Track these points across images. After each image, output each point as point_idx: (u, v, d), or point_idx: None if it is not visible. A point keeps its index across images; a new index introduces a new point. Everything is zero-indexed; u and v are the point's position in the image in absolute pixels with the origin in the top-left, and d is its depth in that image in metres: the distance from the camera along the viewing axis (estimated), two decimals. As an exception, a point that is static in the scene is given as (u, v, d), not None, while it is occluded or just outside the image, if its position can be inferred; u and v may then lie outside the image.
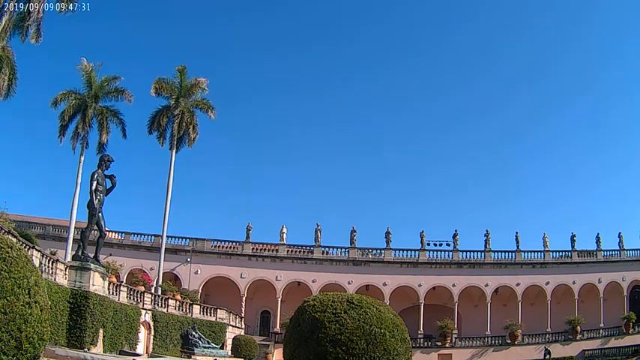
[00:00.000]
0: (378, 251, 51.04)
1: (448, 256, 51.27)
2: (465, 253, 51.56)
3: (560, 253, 52.57)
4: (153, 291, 34.84)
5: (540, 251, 51.68)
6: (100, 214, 20.01)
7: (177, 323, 30.44)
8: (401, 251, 51.32)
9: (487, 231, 52.01)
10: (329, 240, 53.01)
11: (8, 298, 7.17)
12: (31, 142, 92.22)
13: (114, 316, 22.82)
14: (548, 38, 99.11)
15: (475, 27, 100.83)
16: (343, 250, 51.01)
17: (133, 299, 27.28)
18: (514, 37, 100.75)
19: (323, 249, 50.85)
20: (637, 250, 51.31)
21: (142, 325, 27.09)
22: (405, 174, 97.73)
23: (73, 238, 35.42)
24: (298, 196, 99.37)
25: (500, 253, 51.51)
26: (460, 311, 49.64)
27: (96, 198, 19.61)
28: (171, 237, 47.53)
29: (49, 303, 8.61)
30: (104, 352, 20.47)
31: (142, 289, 30.48)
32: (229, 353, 29.93)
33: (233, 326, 38.10)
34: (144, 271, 44.20)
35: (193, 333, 27.62)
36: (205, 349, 26.68)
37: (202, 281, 47.80)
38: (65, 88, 36.77)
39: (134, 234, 49.11)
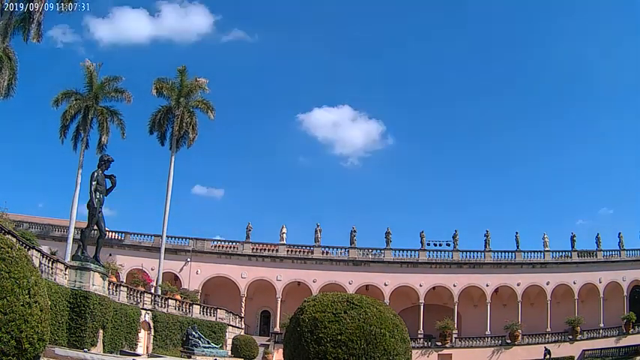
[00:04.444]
0: (378, 251, 51.08)
1: (448, 256, 51.30)
2: (465, 253, 51.60)
3: (560, 253, 52.61)
4: (153, 291, 34.87)
5: (540, 251, 51.71)
6: (100, 214, 20.05)
7: (177, 323, 30.45)
8: (401, 251, 51.36)
9: (487, 231, 52.15)
10: (329, 240, 53.08)
11: (8, 298, 7.18)
12: (31, 141, 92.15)
13: (114, 316, 22.83)
14: (548, 35, 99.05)
15: (475, 24, 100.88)
16: (343, 250, 51.05)
17: (133, 299, 27.29)
18: (514, 33, 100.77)
19: (323, 249, 50.87)
20: (637, 250, 51.32)
21: (141, 325, 27.10)
22: (405, 174, 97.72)
23: (73, 238, 35.45)
24: (298, 195, 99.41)
25: (500, 253, 51.54)
26: (460, 311, 49.67)
27: (96, 198, 19.65)
28: (171, 237, 47.52)
29: (49, 303, 8.61)
30: (104, 352, 20.47)
31: (142, 289, 30.50)
32: (229, 353, 29.96)
33: (233, 326, 38.10)
34: (144, 271, 44.21)
35: (193, 333, 27.67)
36: (205, 350, 26.72)
37: (202, 281, 47.80)
38: (64, 87, 36.94)
39: (134, 234, 49.11)
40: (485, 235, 51.82)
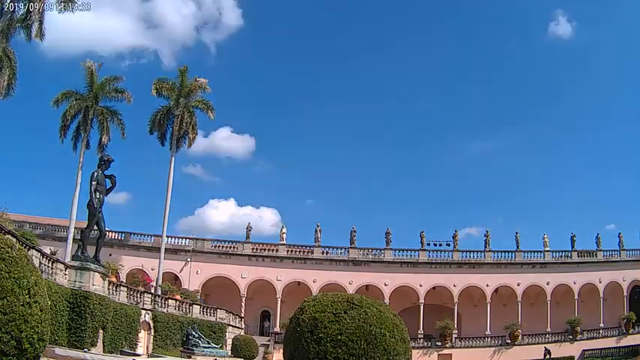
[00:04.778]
0: (378, 251, 51.05)
1: (448, 256, 51.29)
2: (465, 253, 51.60)
3: (560, 253, 52.60)
4: (153, 291, 34.85)
5: (540, 251, 51.69)
6: (100, 214, 20.03)
7: (177, 323, 30.42)
8: (401, 251, 51.35)
9: (487, 231, 52.22)
10: (329, 240, 53.09)
11: (8, 298, 7.18)
12: (31, 141, 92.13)
13: (114, 316, 22.81)
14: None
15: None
16: (343, 250, 51.03)
17: (133, 299, 27.27)
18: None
19: (323, 249, 50.84)
20: (637, 250, 51.32)
21: (142, 325, 27.08)
22: (406, 174, 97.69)
23: (73, 238, 35.45)
24: (298, 195, 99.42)
25: (500, 253, 51.52)
26: (460, 311, 49.65)
27: (96, 198, 19.63)
28: (172, 237, 47.54)
29: (49, 303, 8.61)
30: (104, 352, 20.47)
31: (142, 289, 30.49)
32: (229, 353, 29.92)
33: (233, 326, 38.08)
34: (144, 271, 44.20)
35: (193, 333, 27.64)
36: (205, 350, 26.68)
37: (202, 281, 47.77)
38: (65, 87, 37.03)
39: (134, 234, 49.11)
40: (485, 235, 51.90)
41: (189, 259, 48.01)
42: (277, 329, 45.35)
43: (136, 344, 25.74)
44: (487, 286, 49.79)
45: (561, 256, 52.23)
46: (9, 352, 7.07)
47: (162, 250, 40.51)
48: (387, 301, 45.27)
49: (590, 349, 44.13)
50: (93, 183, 19.56)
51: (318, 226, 50.91)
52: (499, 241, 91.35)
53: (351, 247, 50.56)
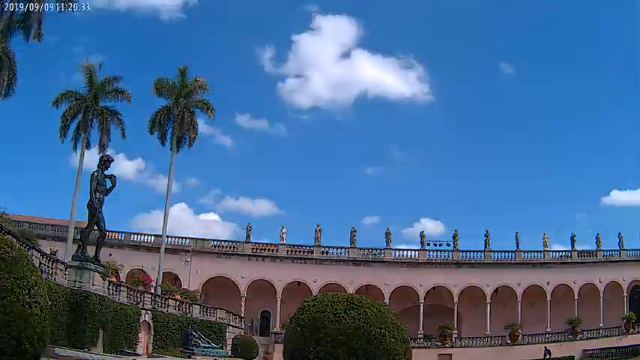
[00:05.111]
0: (378, 251, 51.08)
1: (448, 256, 51.32)
2: (465, 253, 51.63)
3: (560, 253, 52.64)
4: (153, 291, 34.83)
5: (540, 251, 51.72)
6: (100, 214, 20.02)
7: (177, 323, 30.40)
8: (401, 251, 51.40)
9: (487, 231, 52.21)
10: (329, 240, 53.13)
11: (8, 298, 7.18)
12: (31, 141, 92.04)
13: (114, 316, 22.79)
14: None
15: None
16: (343, 250, 51.05)
17: (133, 299, 27.25)
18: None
19: (323, 249, 50.87)
20: (637, 250, 51.35)
21: (142, 326, 27.07)
22: (406, 174, 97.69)
23: (73, 238, 35.43)
24: (298, 195, 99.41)
25: (500, 253, 51.57)
26: (460, 311, 49.65)
27: (96, 198, 19.62)
28: (172, 237, 47.52)
29: (49, 303, 8.61)
30: (104, 352, 20.44)
31: (142, 289, 30.48)
32: (229, 353, 29.95)
33: (233, 326, 38.08)
34: (144, 271, 44.18)
35: (194, 333, 27.70)
36: (205, 350, 26.74)
37: (202, 281, 47.78)
38: (65, 88, 37.01)
39: (134, 234, 49.11)
40: (485, 235, 51.89)
41: (189, 259, 48.01)
42: (277, 329, 45.36)
43: (136, 344, 25.72)
44: (487, 286, 49.81)
45: (561, 256, 52.28)
46: (9, 352, 7.07)
47: (162, 250, 40.46)
48: (387, 301, 45.26)
49: (591, 349, 44.10)
50: (93, 183, 19.56)
51: (318, 226, 50.99)
52: (499, 241, 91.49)
53: (351, 247, 50.57)
